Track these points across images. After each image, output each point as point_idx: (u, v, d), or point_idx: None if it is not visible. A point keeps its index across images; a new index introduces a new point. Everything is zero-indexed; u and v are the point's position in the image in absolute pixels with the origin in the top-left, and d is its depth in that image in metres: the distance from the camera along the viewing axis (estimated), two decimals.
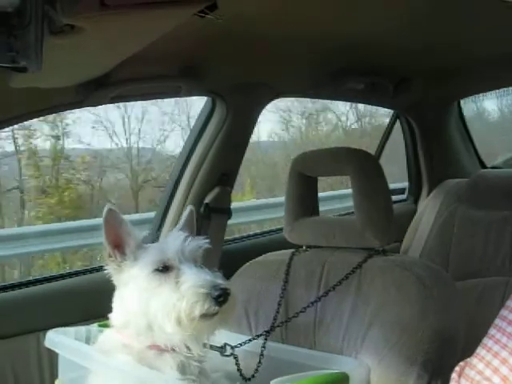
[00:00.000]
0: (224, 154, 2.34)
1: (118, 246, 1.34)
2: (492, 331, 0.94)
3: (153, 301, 1.27)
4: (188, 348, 1.29)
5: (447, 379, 1.39)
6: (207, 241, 1.39)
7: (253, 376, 1.50)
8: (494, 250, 2.40)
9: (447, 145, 3.09)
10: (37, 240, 4.65)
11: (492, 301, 2.23)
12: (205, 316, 1.24)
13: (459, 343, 1.51)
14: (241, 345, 1.56)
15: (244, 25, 1.69)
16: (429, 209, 2.76)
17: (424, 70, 2.49)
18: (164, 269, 1.29)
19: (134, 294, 1.31)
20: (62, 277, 2.18)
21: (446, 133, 3.07)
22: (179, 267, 1.29)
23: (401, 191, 3.23)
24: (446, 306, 1.55)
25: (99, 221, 1.35)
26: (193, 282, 1.25)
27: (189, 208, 1.49)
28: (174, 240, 1.35)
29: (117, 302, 1.36)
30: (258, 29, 1.74)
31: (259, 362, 1.54)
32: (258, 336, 1.63)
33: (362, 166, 1.70)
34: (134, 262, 1.33)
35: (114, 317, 1.36)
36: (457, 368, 0.97)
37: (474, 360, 0.93)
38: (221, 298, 1.24)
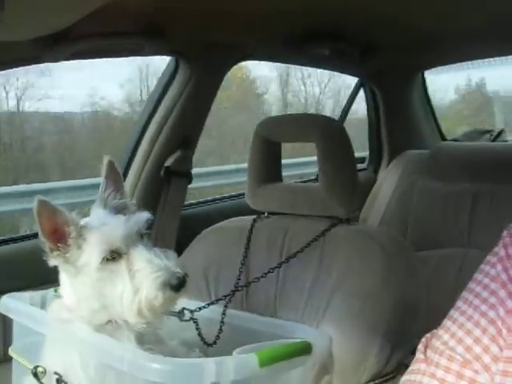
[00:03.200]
0: (186, 116, 2.29)
1: (58, 237, 1.23)
2: (459, 303, 0.94)
3: (107, 292, 1.21)
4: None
5: (409, 348, 1.41)
6: (147, 215, 1.29)
7: (214, 342, 1.48)
8: (451, 221, 2.43)
9: (409, 115, 3.10)
10: None
11: (449, 271, 2.27)
12: (166, 303, 1.20)
13: (420, 312, 1.52)
14: (200, 309, 1.54)
15: None
16: (388, 179, 2.77)
17: (390, 38, 2.47)
18: (112, 257, 1.21)
19: (86, 285, 1.23)
20: (14, 240, 2.12)
21: (409, 103, 3.09)
22: (129, 253, 1.21)
23: (361, 160, 3.23)
24: (408, 276, 1.56)
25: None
26: (148, 270, 1.18)
27: (105, 158, 1.34)
28: (117, 224, 1.24)
29: (65, 287, 1.29)
30: None
31: (220, 328, 1.52)
32: (218, 300, 1.60)
33: (326, 131, 1.68)
34: (79, 251, 1.22)
35: (64, 296, 1.30)
36: (423, 339, 0.97)
37: (439, 331, 0.94)
38: (179, 286, 1.18)
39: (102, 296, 1.22)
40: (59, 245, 1.23)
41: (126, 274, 1.19)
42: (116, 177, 1.34)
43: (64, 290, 1.30)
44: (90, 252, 1.22)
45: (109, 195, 1.32)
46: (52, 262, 1.25)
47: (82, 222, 1.26)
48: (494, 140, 3.02)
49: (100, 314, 1.23)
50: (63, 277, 1.30)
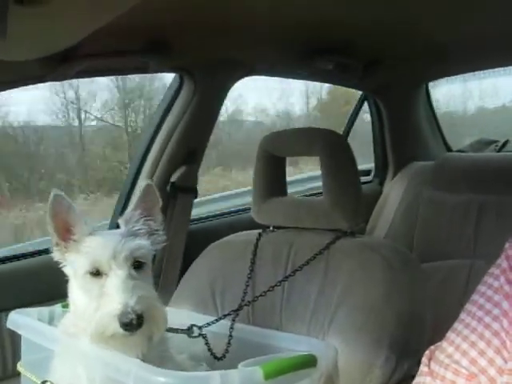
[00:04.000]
0: (191, 132, 2.30)
1: (65, 235, 1.24)
2: (462, 315, 0.94)
3: (82, 304, 1.22)
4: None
5: (415, 360, 1.41)
6: (146, 242, 1.26)
7: (224, 356, 1.49)
8: (458, 232, 2.43)
9: (414, 127, 3.11)
10: None
11: (456, 283, 2.27)
12: (117, 337, 1.17)
13: (426, 325, 1.52)
14: (208, 324, 1.55)
15: (212, 1, 1.65)
16: (394, 191, 2.78)
17: (393, 51, 2.49)
18: (96, 273, 1.20)
19: (75, 290, 1.25)
20: (24, 256, 2.13)
21: (413, 115, 3.09)
22: (108, 274, 1.19)
23: (367, 172, 3.24)
24: (413, 288, 1.56)
25: None
26: (110, 299, 1.16)
27: (144, 183, 1.32)
28: (109, 242, 1.22)
29: (69, 289, 1.30)
30: (227, 4, 1.71)
31: (228, 342, 1.52)
32: (225, 316, 1.61)
33: (330, 146, 1.69)
34: (76, 256, 1.23)
35: (70, 303, 1.31)
36: (427, 352, 0.97)
37: (444, 344, 0.94)
38: (127, 327, 1.14)
39: (81, 307, 1.23)
40: (62, 242, 1.24)
41: (98, 292, 1.18)
42: (152, 202, 1.31)
43: (69, 297, 1.31)
44: (81, 260, 1.22)
45: (133, 216, 1.30)
46: (54, 255, 1.27)
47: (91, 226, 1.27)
48: (499, 150, 3.02)
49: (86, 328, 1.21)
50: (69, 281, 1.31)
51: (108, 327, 1.15)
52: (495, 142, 3.09)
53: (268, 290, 1.64)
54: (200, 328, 1.50)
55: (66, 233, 1.25)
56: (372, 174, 3.24)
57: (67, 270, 1.28)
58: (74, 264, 1.24)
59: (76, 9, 1.17)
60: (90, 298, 1.20)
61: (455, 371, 0.89)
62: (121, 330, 1.14)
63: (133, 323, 1.13)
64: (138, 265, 1.23)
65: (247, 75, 2.42)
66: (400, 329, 1.47)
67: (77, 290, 1.25)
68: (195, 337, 1.47)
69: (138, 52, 1.93)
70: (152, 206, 1.32)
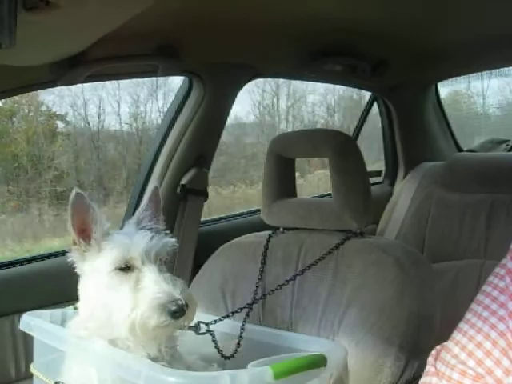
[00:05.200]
0: (201, 135, 2.32)
1: (84, 233, 1.27)
2: (468, 315, 0.94)
3: (111, 300, 1.23)
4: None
5: (424, 360, 1.41)
6: (174, 240, 1.32)
7: (232, 356, 1.50)
8: (469, 232, 2.42)
9: (424, 128, 3.10)
10: None
11: (467, 283, 2.26)
12: (159, 327, 1.20)
13: (436, 325, 1.52)
14: (215, 321, 1.55)
15: (221, 4, 1.66)
16: (405, 191, 2.77)
17: (402, 52, 2.49)
18: (126, 268, 1.23)
19: (96, 288, 1.26)
20: (36, 259, 2.15)
21: (423, 116, 3.09)
22: (141, 269, 1.23)
23: (377, 173, 3.24)
24: (423, 289, 1.56)
25: None
26: (151, 291, 1.20)
27: (152, 185, 1.42)
28: (140, 238, 1.27)
29: (81, 291, 1.31)
30: (236, 8, 1.72)
31: (238, 342, 1.53)
32: (233, 313, 1.62)
33: (340, 147, 1.70)
34: (98, 254, 1.26)
35: (80, 305, 1.32)
36: (433, 352, 0.97)
37: (449, 344, 0.93)
38: (177, 313, 1.19)
39: (106, 305, 1.23)
40: (82, 240, 1.26)
41: (132, 287, 1.21)
42: (157, 202, 1.38)
43: (80, 295, 1.32)
44: (107, 257, 1.25)
45: (145, 216, 1.36)
46: (72, 255, 1.29)
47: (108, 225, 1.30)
48: (510, 150, 3.01)
49: (107, 328, 1.24)
50: (81, 281, 1.32)
51: (152, 317, 1.18)
52: (506, 141, 3.08)
53: (276, 289, 1.64)
54: (207, 325, 1.51)
55: (84, 231, 1.27)
56: (382, 174, 3.23)
57: (84, 269, 1.29)
58: (94, 262, 1.26)
59: (85, 15, 1.18)
60: (120, 293, 1.22)
61: (462, 372, 0.89)
62: (168, 319, 1.18)
63: (183, 309, 1.19)
64: (164, 261, 1.28)
65: (256, 77, 2.44)
66: (410, 329, 1.47)
67: (97, 288, 1.26)
68: (202, 333, 1.47)
69: (147, 56, 1.94)
70: (158, 208, 1.38)
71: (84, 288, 1.31)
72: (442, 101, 3.23)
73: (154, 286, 1.21)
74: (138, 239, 1.27)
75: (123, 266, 1.24)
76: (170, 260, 1.31)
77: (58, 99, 4.06)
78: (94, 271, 1.26)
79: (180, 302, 1.19)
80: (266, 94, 4.88)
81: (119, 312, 1.20)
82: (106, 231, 1.28)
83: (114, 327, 1.22)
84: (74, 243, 1.28)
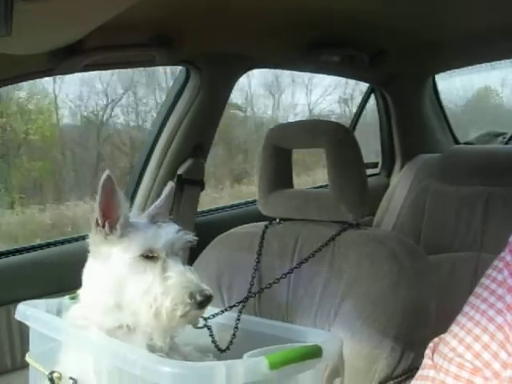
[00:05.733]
0: (198, 125, 2.32)
1: (107, 216, 1.27)
2: (466, 308, 0.94)
3: (132, 285, 1.23)
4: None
5: (420, 351, 1.41)
6: (196, 238, 1.35)
7: (227, 348, 1.50)
8: (465, 225, 2.42)
9: (421, 120, 3.10)
10: None
11: (463, 275, 2.26)
12: (185, 316, 1.23)
13: (431, 316, 1.52)
14: (214, 316, 1.56)
15: None
16: (401, 183, 2.77)
17: (400, 43, 2.49)
18: (151, 257, 1.25)
19: (112, 273, 1.26)
20: (33, 248, 2.15)
21: (420, 108, 3.09)
22: (166, 260, 1.25)
23: (374, 165, 3.24)
24: (419, 280, 1.56)
25: None
26: (180, 280, 1.22)
27: (169, 184, 1.43)
28: (168, 230, 1.30)
29: (88, 275, 1.32)
30: None
31: (233, 334, 1.54)
32: (231, 307, 1.62)
33: (336, 138, 1.69)
34: (120, 239, 1.27)
35: (82, 292, 1.33)
36: (430, 344, 0.97)
37: (447, 337, 0.93)
38: (203, 303, 1.22)
39: (121, 292, 1.24)
40: (106, 222, 1.27)
41: (159, 275, 1.23)
42: (169, 201, 1.43)
43: (85, 279, 1.32)
44: (131, 243, 1.26)
45: (159, 213, 1.38)
46: (91, 237, 1.30)
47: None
48: (507, 143, 3.01)
49: (112, 315, 1.25)
50: (89, 265, 1.32)
51: (181, 305, 1.20)
52: (503, 134, 3.08)
53: (274, 282, 1.64)
54: (205, 319, 1.51)
55: (109, 215, 1.27)
56: (379, 166, 3.24)
57: (103, 253, 1.28)
58: (117, 247, 1.27)
59: (82, 4, 1.18)
60: (146, 279, 1.23)
61: (459, 365, 0.89)
62: (195, 308, 1.22)
63: (209, 299, 1.23)
64: (180, 253, 1.32)
65: (253, 68, 2.43)
66: (406, 320, 1.47)
67: (118, 272, 1.26)
68: (200, 328, 1.48)
69: (144, 45, 1.94)
70: (169, 205, 1.43)
71: (94, 272, 1.31)
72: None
73: (181, 275, 1.23)
74: (166, 231, 1.30)
75: (149, 255, 1.25)
76: None
77: None
78: (114, 255, 1.27)
79: (207, 292, 1.23)
80: None
81: (143, 296, 1.22)
82: (127, 219, 1.30)
83: (125, 311, 1.24)
84: (97, 224, 1.28)
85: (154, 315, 1.21)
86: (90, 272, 1.32)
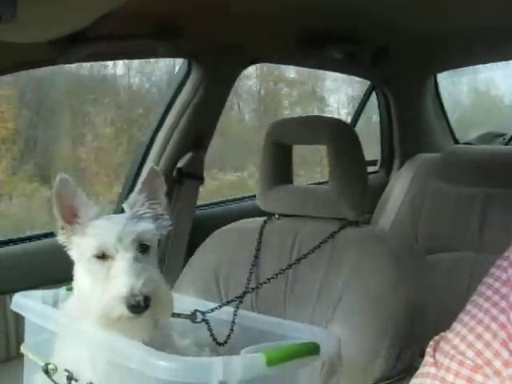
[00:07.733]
0: (198, 118, 2.31)
1: (70, 218, 1.24)
2: (469, 306, 0.93)
3: (87, 287, 1.22)
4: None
5: (417, 350, 1.41)
6: (152, 226, 1.26)
7: (225, 342, 1.49)
8: (463, 225, 2.41)
9: (421, 119, 3.10)
10: None
11: (460, 275, 2.26)
12: (123, 319, 1.16)
13: (429, 315, 1.52)
14: (212, 310, 1.55)
15: None
16: (400, 182, 2.76)
17: (402, 41, 2.48)
18: (102, 256, 1.20)
19: (82, 274, 1.26)
20: (30, 239, 2.14)
21: (421, 107, 3.08)
22: (115, 257, 1.19)
23: (373, 163, 3.23)
24: (417, 279, 1.56)
25: None
26: (117, 282, 1.16)
27: (149, 167, 1.32)
28: (113, 225, 1.22)
29: (76, 277, 1.31)
30: None
31: (231, 328, 1.53)
32: (229, 302, 1.61)
33: (337, 134, 1.69)
34: (82, 239, 1.23)
35: (74, 283, 1.32)
36: (431, 342, 0.96)
37: (449, 335, 0.93)
38: (135, 308, 1.14)
39: (86, 290, 1.23)
40: (68, 225, 1.24)
41: (103, 277, 1.18)
42: (155, 184, 1.31)
43: (74, 280, 1.31)
44: (87, 243, 1.22)
45: (137, 201, 1.29)
46: (59, 239, 1.27)
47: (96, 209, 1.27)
48: (507, 143, 3.00)
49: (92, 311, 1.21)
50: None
51: (115, 309, 1.15)
52: (503, 134, 3.08)
53: (271, 278, 1.64)
54: (203, 314, 1.50)
55: (71, 216, 1.24)
56: (378, 164, 3.23)
57: (73, 254, 1.28)
58: (79, 247, 1.24)
59: None
60: (96, 281, 1.20)
61: (460, 362, 0.88)
62: (127, 312, 1.14)
63: (140, 305, 1.13)
64: (144, 248, 1.23)
65: (255, 62, 2.42)
66: (404, 318, 1.47)
67: (82, 274, 1.26)
68: (198, 322, 1.47)
69: (146, 36, 1.93)
70: (156, 190, 1.31)
71: (74, 272, 1.30)
72: None
73: (119, 277, 1.16)
74: (113, 226, 1.22)
75: (99, 254, 1.20)
76: (164, 245, 1.29)
77: None
78: (79, 256, 1.25)
79: (137, 298, 1.14)
80: None
81: (91, 300, 1.19)
82: (94, 216, 1.25)
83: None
84: (62, 228, 1.25)
85: (97, 316, 1.17)
86: (75, 270, 1.30)
